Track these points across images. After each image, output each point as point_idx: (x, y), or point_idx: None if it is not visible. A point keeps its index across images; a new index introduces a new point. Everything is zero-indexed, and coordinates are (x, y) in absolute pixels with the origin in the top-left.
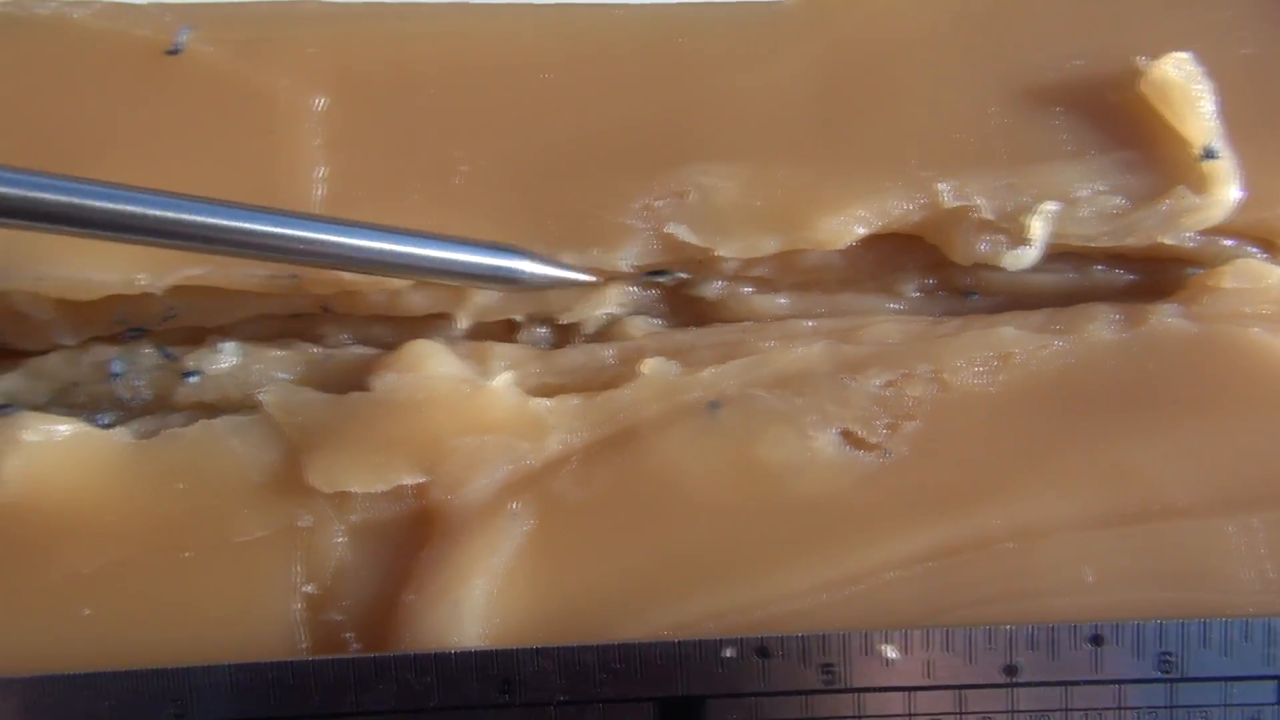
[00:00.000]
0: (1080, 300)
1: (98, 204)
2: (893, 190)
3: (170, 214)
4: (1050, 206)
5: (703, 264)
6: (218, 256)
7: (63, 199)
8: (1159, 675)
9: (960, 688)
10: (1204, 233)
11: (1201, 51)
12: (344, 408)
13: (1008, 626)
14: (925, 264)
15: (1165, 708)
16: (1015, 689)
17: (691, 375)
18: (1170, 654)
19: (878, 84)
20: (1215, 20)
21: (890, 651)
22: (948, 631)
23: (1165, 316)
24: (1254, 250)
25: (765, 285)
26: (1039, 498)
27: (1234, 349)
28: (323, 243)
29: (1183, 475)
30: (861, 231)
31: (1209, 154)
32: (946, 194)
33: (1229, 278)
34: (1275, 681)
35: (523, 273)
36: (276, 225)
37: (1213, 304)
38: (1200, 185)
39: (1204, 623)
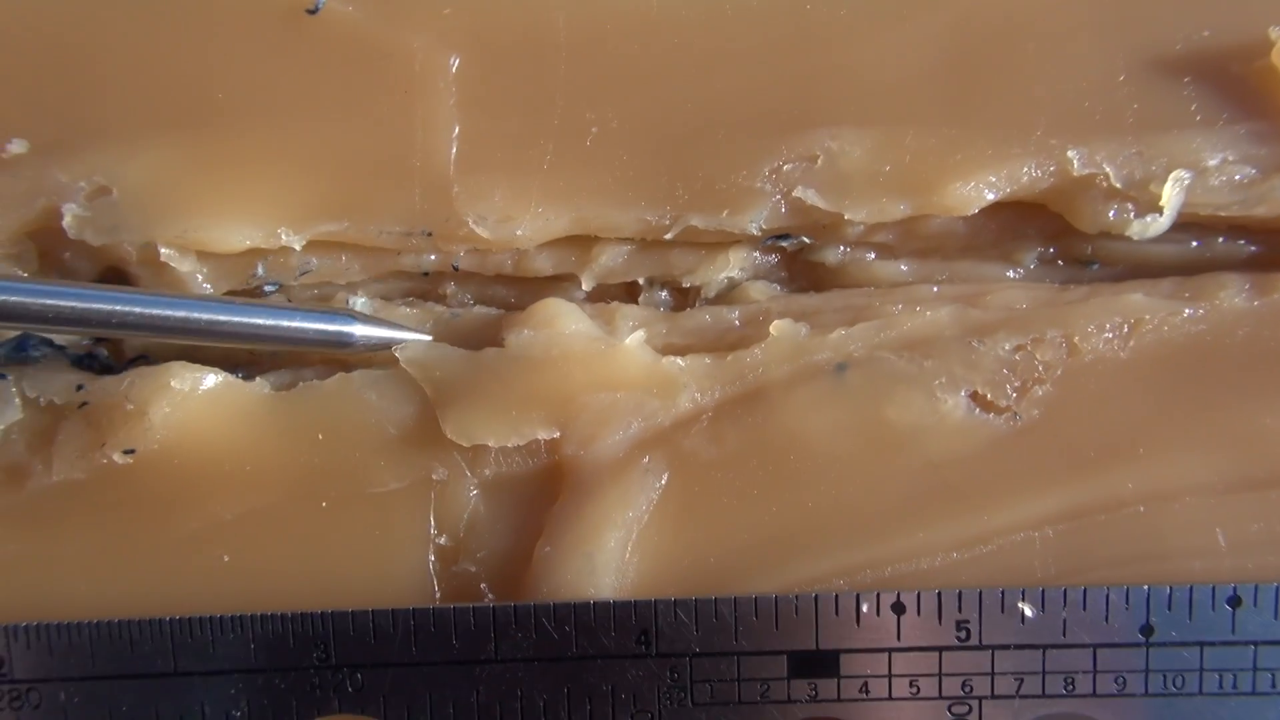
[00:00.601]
0: (1201, 271)
1: None
2: (1022, 157)
3: None
4: (1183, 174)
5: (827, 229)
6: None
7: None
8: None
9: (1096, 646)
10: None
11: None
12: (479, 363)
13: (1145, 587)
14: (1047, 233)
15: None
16: (1150, 649)
17: (819, 337)
18: None
19: (1006, 52)
20: None
21: (1027, 609)
22: (1084, 591)
23: None
24: None
25: (886, 251)
26: (1171, 462)
27: None
28: (151, 316)
29: None
30: (991, 197)
31: None
32: (1076, 161)
33: None
34: None
35: (353, 336)
36: (105, 302)
37: None
38: None
39: None
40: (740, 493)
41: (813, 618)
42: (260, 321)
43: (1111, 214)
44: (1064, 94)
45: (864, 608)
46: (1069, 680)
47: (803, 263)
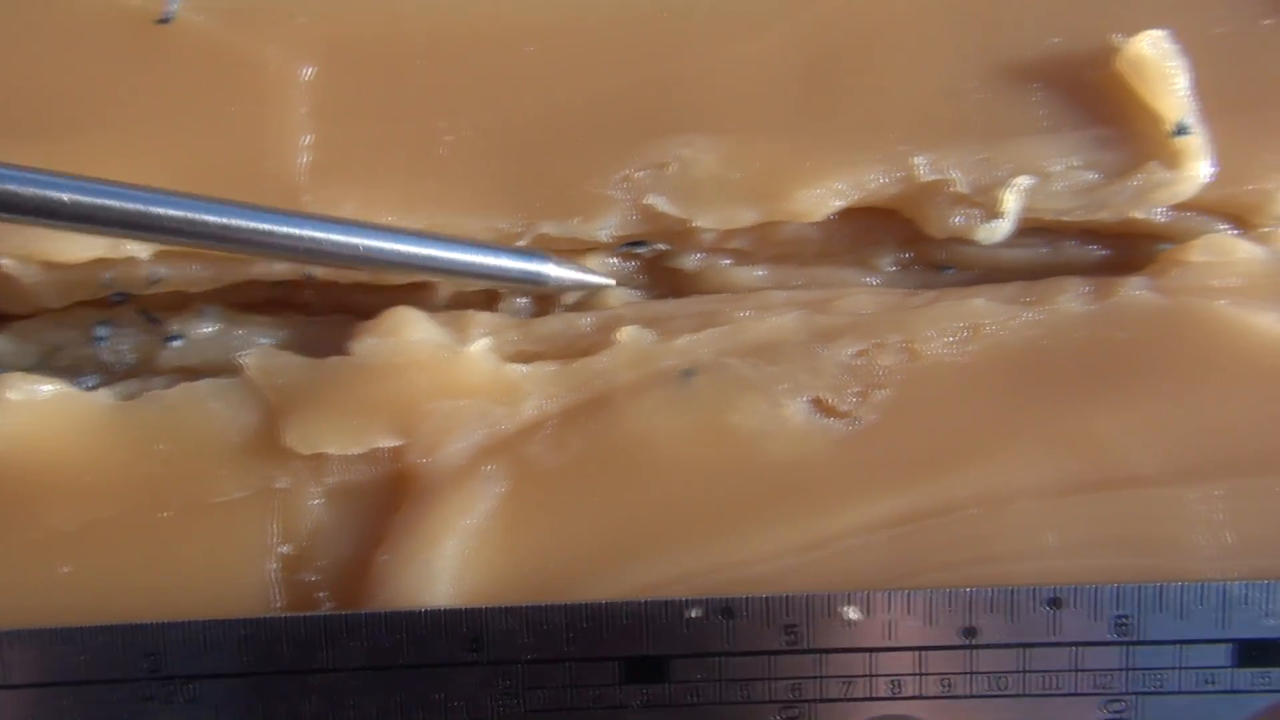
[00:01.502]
0: (1052, 275)
1: (124, 205)
2: (870, 163)
3: (190, 214)
4: (1023, 180)
5: (681, 235)
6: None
7: (85, 199)
8: (1115, 638)
9: (920, 649)
10: (1175, 208)
11: (1177, 29)
12: (322, 371)
13: (967, 589)
14: (901, 239)
15: (1121, 670)
16: (974, 651)
17: (666, 343)
18: (1126, 617)
19: (859, 59)
20: None
21: (852, 613)
22: (908, 594)
23: (1134, 289)
24: (1224, 226)
25: (743, 258)
26: (1005, 465)
27: (1200, 321)
28: (351, 245)
29: (1147, 444)
30: (838, 204)
31: (1181, 130)
32: (922, 167)
33: (1198, 252)
34: (1229, 645)
35: (547, 276)
36: (302, 228)
37: (1181, 277)
38: (1172, 161)
39: (1159, 586)
40: (581, 499)
41: (643, 623)
42: (463, 258)
43: (958, 219)
44: (915, 102)
45: (693, 613)
46: (895, 683)
47: (662, 269)
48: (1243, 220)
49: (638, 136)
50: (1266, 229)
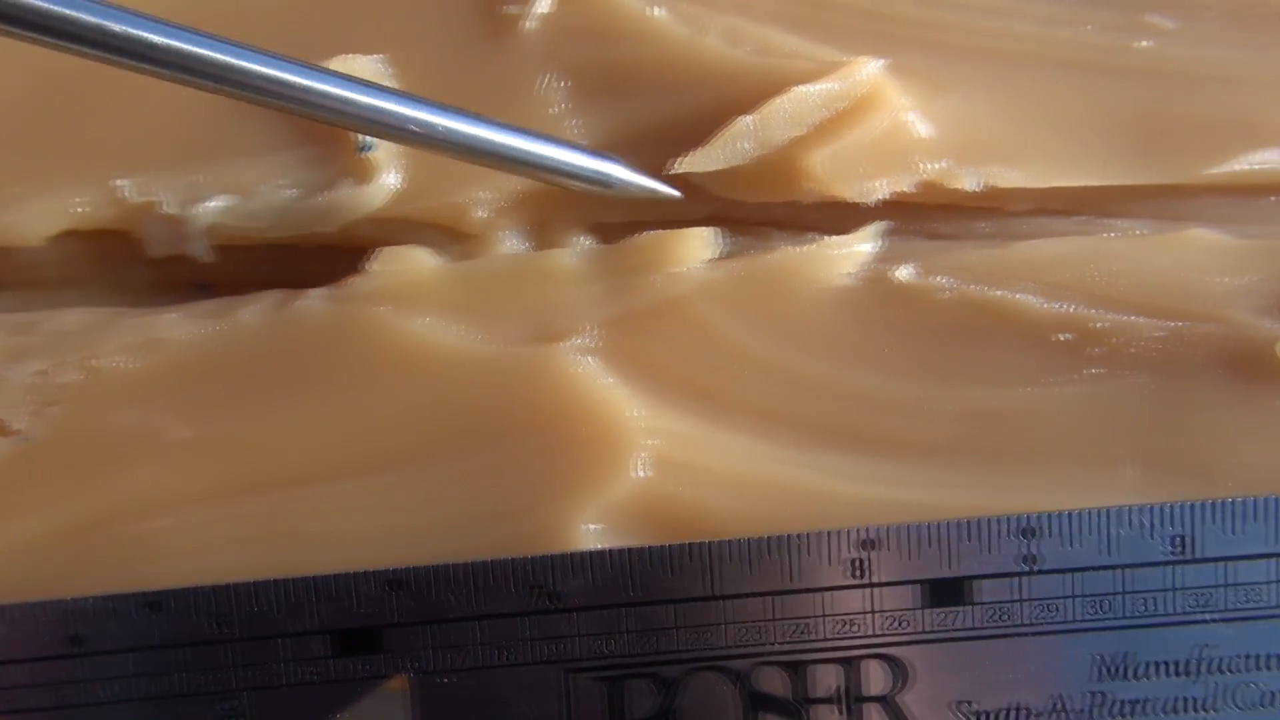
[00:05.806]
0: None
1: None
2: (76, 188)
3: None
4: (219, 201)
5: None
6: None
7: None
8: (218, 636)
9: (24, 661)
10: (383, 223)
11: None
12: None
13: (69, 599)
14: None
15: (230, 667)
16: (81, 657)
17: None
18: (226, 614)
19: (91, 83)
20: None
21: None
22: (11, 606)
23: (310, 300)
24: (432, 237)
25: None
26: (171, 471)
27: (364, 328)
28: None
29: (304, 445)
30: (45, 229)
31: (364, 147)
32: (128, 190)
33: (376, 263)
34: (327, 635)
35: (613, 178)
36: (359, 93)
37: (355, 286)
38: (362, 176)
39: (262, 583)
40: None
41: None
42: (536, 149)
43: (170, 240)
44: (137, 127)
45: None
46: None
47: None
48: (449, 231)
49: None
50: (470, 240)
